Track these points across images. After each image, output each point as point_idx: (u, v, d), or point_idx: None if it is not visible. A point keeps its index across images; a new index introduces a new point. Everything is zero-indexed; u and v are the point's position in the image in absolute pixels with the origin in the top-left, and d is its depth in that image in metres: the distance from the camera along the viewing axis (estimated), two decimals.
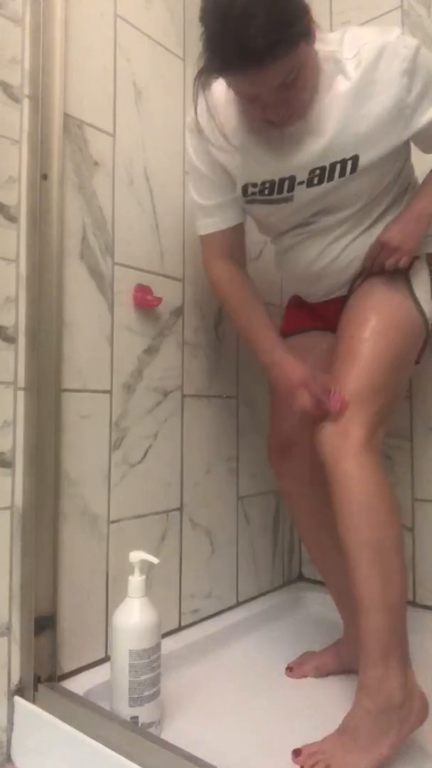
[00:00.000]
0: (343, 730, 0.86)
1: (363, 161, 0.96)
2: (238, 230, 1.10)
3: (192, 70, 1.27)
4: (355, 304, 1.06)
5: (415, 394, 1.40)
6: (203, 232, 1.09)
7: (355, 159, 0.95)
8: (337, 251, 1.05)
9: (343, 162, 0.96)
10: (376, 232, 1.03)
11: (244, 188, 1.03)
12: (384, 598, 0.85)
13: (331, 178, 0.97)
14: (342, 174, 0.97)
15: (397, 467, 1.42)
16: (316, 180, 0.98)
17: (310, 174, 0.98)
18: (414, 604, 1.38)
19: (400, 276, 1.03)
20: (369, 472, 0.89)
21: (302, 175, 0.98)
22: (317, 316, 1.16)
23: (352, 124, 0.93)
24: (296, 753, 0.86)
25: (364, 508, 0.87)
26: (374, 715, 0.83)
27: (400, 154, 1.01)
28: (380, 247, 1.00)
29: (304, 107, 0.92)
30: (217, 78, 0.88)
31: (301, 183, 0.99)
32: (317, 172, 0.97)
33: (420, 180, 1.07)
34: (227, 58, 0.81)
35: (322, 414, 0.94)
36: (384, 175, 1.01)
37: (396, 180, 1.04)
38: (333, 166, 0.96)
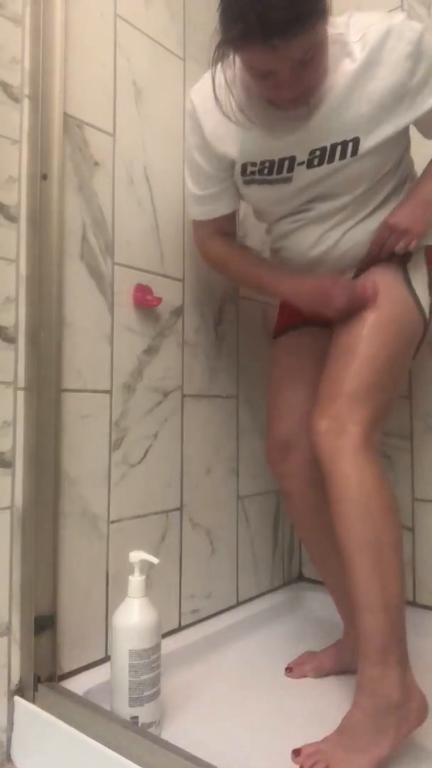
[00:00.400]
0: (342, 730, 0.86)
1: (364, 144, 0.95)
2: (230, 216, 1.15)
3: (192, 70, 1.28)
4: None
5: (414, 394, 1.40)
6: (196, 217, 1.14)
7: (355, 141, 0.95)
8: (335, 238, 1.04)
9: (344, 144, 0.95)
10: (375, 220, 1.03)
11: (243, 167, 1.02)
12: (382, 599, 0.85)
13: (331, 160, 0.97)
14: (342, 156, 0.96)
15: (397, 467, 1.42)
16: (316, 161, 0.98)
17: (310, 155, 0.97)
18: (414, 604, 1.38)
19: (399, 269, 1.03)
20: (366, 471, 0.87)
21: (302, 156, 0.98)
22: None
23: (354, 105, 0.93)
24: (296, 753, 0.86)
25: (360, 508, 0.86)
26: (372, 715, 0.83)
27: (401, 141, 1.01)
28: (389, 231, 1.00)
29: (315, 87, 0.91)
30: (234, 51, 0.86)
31: (301, 163, 0.98)
32: (317, 152, 0.97)
33: (419, 173, 1.07)
34: (250, 29, 0.79)
35: (359, 308, 0.98)
36: (384, 161, 1.00)
37: (396, 169, 1.03)
38: (334, 147, 0.96)
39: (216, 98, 0.96)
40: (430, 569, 1.37)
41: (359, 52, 0.91)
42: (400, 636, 0.86)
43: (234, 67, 0.94)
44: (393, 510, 0.88)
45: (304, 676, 1.12)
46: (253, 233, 1.39)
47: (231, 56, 0.89)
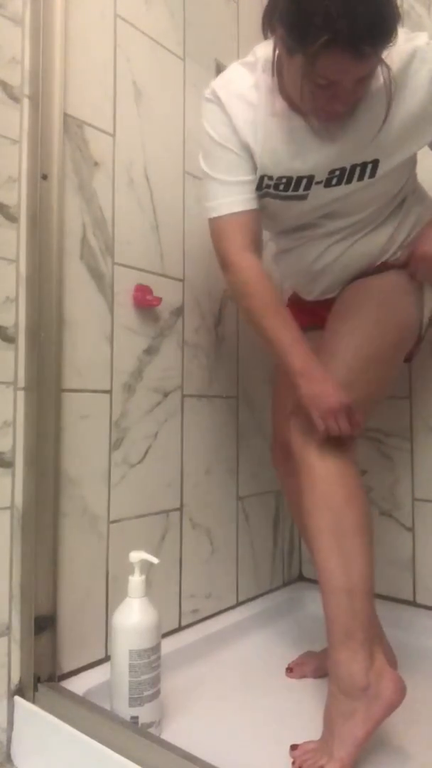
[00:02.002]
0: (324, 723, 0.87)
1: (383, 167, 0.95)
2: (260, 217, 1.02)
3: (192, 70, 1.28)
4: (345, 297, 1.06)
5: (415, 394, 1.40)
6: (227, 210, 0.97)
7: (375, 163, 0.95)
8: (338, 252, 1.05)
9: (364, 165, 0.95)
10: (378, 235, 1.03)
11: (260, 180, 1.00)
12: (344, 583, 0.86)
13: (349, 181, 0.97)
14: (361, 178, 0.96)
15: (397, 467, 1.42)
16: (334, 180, 0.97)
17: (329, 174, 0.97)
18: (414, 604, 1.38)
19: (400, 272, 1.04)
20: (330, 462, 0.91)
21: (321, 175, 0.97)
22: (315, 316, 1.16)
23: (372, 129, 0.92)
24: (293, 747, 0.87)
25: (323, 497, 0.90)
26: (339, 700, 0.84)
27: (412, 159, 1.02)
28: (421, 261, 1.02)
29: (357, 104, 0.91)
30: (313, 57, 0.80)
31: (319, 182, 0.98)
32: (337, 172, 0.96)
33: (423, 184, 1.07)
34: (339, 36, 0.77)
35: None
36: (397, 182, 1.01)
37: (405, 186, 1.04)
38: (353, 168, 0.96)
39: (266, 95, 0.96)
40: (430, 569, 1.37)
41: (382, 74, 0.90)
42: (365, 619, 0.86)
43: (283, 73, 0.92)
44: (356, 498, 0.91)
45: (304, 676, 1.12)
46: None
47: (294, 59, 0.85)
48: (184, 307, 1.27)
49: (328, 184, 0.98)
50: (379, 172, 0.96)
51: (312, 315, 1.17)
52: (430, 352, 1.35)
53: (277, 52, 0.92)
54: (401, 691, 0.84)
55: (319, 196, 0.99)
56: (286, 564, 1.55)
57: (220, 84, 1.00)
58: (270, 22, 0.89)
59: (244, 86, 0.97)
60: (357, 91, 0.87)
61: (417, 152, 1.02)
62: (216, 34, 1.37)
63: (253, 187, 0.99)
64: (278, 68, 0.94)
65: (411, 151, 0.97)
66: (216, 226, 1.00)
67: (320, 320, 1.15)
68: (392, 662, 1.12)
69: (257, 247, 1.00)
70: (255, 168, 0.99)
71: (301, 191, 0.99)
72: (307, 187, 0.98)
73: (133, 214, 1.16)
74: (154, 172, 1.21)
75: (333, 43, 0.77)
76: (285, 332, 0.95)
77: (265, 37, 0.94)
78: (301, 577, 1.59)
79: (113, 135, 1.12)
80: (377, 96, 0.91)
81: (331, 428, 0.90)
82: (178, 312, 1.25)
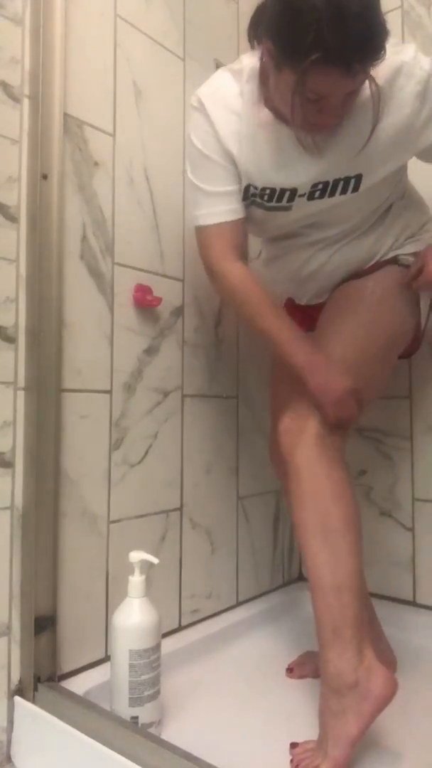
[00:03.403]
0: (319, 723, 0.87)
1: (366, 182, 0.96)
2: (243, 225, 1.04)
3: (192, 70, 1.28)
4: (335, 298, 1.08)
5: (415, 394, 1.40)
6: (212, 221, 1.00)
7: (358, 178, 0.96)
8: (324, 258, 1.06)
9: (347, 180, 0.96)
10: (363, 242, 1.05)
11: (246, 189, 1.01)
12: (331, 580, 0.87)
13: (332, 194, 0.97)
14: (344, 191, 0.97)
15: (397, 467, 1.42)
16: (317, 194, 0.98)
17: (312, 187, 0.97)
18: (414, 604, 1.38)
19: (393, 270, 1.04)
20: (316, 462, 0.92)
21: (304, 188, 0.98)
22: (309, 319, 1.17)
23: (358, 143, 0.92)
24: (293, 745, 0.88)
25: (310, 496, 0.91)
26: (330, 698, 0.84)
27: (399, 171, 1.02)
28: (419, 272, 1.00)
29: (344, 117, 0.91)
30: (302, 71, 0.79)
31: (302, 195, 0.98)
32: (320, 185, 0.97)
33: (414, 184, 1.07)
34: (330, 52, 0.77)
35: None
36: (383, 194, 1.02)
37: (392, 194, 1.04)
38: (336, 182, 0.96)
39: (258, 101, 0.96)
40: (430, 569, 1.37)
41: (368, 87, 0.90)
42: (353, 617, 0.86)
43: (269, 84, 0.92)
44: (343, 496, 0.92)
45: (305, 676, 1.12)
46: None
47: (282, 73, 0.84)
48: (184, 307, 1.27)
49: (311, 197, 0.98)
50: (362, 186, 0.96)
51: (308, 319, 1.18)
52: (430, 353, 1.35)
53: (263, 62, 0.91)
54: (391, 687, 0.84)
55: (302, 208, 1.00)
56: (286, 564, 1.55)
57: (205, 92, 0.99)
58: (256, 34, 0.89)
59: (230, 94, 0.97)
60: (346, 104, 0.87)
61: (405, 164, 1.02)
62: (216, 34, 1.37)
63: (238, 196, 1.00)
64: (264, 79, 0.94)
65: (395, 165, 0.97)
66: (200, 235, 1.02)
67: (314, 323, 1.16)
68: (392, 662, 1.12)
69: (241, 254, 1.03)
70: (239, 178, 0.99)
71: (284, 203, 1.00)
72: (291, 200, 0.99)
73: (133, 214, 1.16)
74: (154, 172, 1.21)
75: (323, 60, 0.77)
76: (282, 331, 0.98)
77: (252, 47, 0.94)
78: (301, 577, 1.59)
79: (113, 135, 1.12)
80: (363, 111, 0.91)
81: (340, 416, 0.92)
82: (178, 312, 1.25)
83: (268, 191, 0.99)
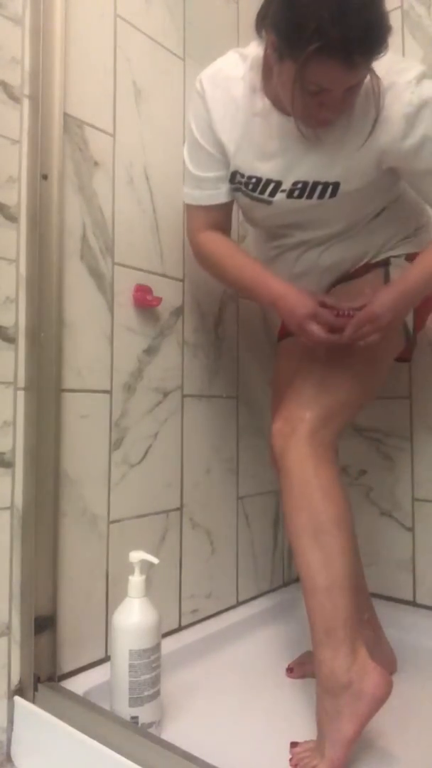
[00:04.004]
0: (317, 724, 0.87)
1: (343, 189, 0.96)
2: (228, 208, 1.09)
3: (192, 70, 1.28)
4: None
5: (415, 394, 1.40)
6: (194, 202, 1.07)
7: (336, 185, 0.96)
8: (314, 256, 1.07)
9: (325, 185, 0.96)
10: (356, 241, 1.05)
11: (233, 174, 1.03)
12: (323, 580, 0.87)
13: (310, 196, 0.98)
14: (321, 196, 0.97)
15: (397, 467, 1.42)
16: (296, 193, 0.99)
17: (293, 185, 0.98)
18: (414, 604, 1.38)
19: (378, 273, 1.05)
20: (306, 463, 0.93)
21: (287, 183, 0.98)
22: None
23: (345, 149, 0.93)
24: (293, 745, 0.88)
25: (300, 497, 0.92)
26: (325, 699, 0.84)
27: (385, 182, 1.00)
28: (368, 319, 0.92)
29: (344, 114, 0.91)
30: (304, 62, 0.80)
31: (283, 191, 0.99)
32: (299, 185, 0.98)
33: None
34: (331, 44, 0.77)
35: (336, 341, 0.94)
36: (369, 205, 1.02)
37: (382, 200, 1.04)
38: (315, 185, 0.97)
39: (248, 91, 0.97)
40: (430, 569, 1.37)
41: (363, 98, 0.91)
42: (346, 617, 0.86)
43: (270, 75, 0.93)
44: (334, 497, 0.92)
45: (305, 676, 1.12)
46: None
47: (284, 63, 0.84)
48: (184, 307, 1.27)
49: (290, 194, 0.99)
50: (339, 193, 0.96)
51: None
52: (430, 353, 1.35)
53: (267, 53, 0.92)
54: (386, 687, 0.84)
55: (282, 204, 1.01)
56: (286, 564, 1.55)
57: (208, 73, 1.02)
58: (262, 24, 0.90)
59: (232, 76, 0.99)
60: (346, 99, 0.87)
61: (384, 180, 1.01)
62: (216, 34, 1.37)
63: (222, 183, 1.05)
64: (266, 70, 0.95)
65: (370, 179, 0.96)
66: (187, 210, 1.12)
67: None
68: (392, 662, 1.12)
69: (220, 227, 1.09)
70: (228, 164, 1.03)
71: (266, 196, 1.01)
72: (272, 194, 1.00)
73: (133, 214, 1.16)
74: (154, 172, 1.21)
75: (324, 50, 0.78)
76: (252, 272, 1.03)
77: (260, 37, 0.95)
78: None
79: (113, 135, 1.12)
80: (357, 117, 0.91)
81: (309, 337, 0.94)
82: (178, 312, 1.25)
83: (253, 180, 1.01)
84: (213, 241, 1.08)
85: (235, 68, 1.00)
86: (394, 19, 1.41)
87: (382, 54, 0.82)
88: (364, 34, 0.78)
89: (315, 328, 0.93)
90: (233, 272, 1.06)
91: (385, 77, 0.89)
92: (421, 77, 0.90)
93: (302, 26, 0.78)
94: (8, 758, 0.92)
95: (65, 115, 1.01)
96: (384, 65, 0.86)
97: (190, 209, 1.10)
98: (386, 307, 0.92)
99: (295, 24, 0.80)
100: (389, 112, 0.90)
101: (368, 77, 0.87)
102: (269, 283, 1.00)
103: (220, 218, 1.09)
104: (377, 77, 0.87)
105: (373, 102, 0.89)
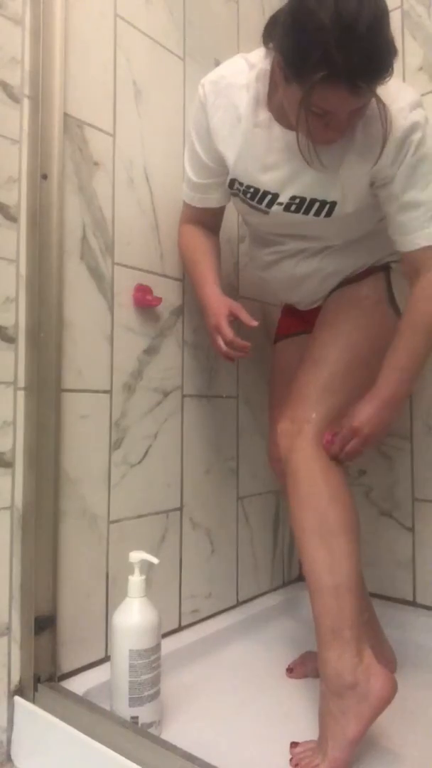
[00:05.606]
0: (319, 723, 0.87)
1: (340, 210, 0.97)
2: (217, 212, 1.16)
3: (192, 70, 1.28)
4: (327, 305, 1.10)
5: (415, 395, 1.40)
6: (186, 200, 1.14)
7: (332, 205, 0.97)
8: (314, 264, 1.08)
9: (322, 203, 0.97)
10: (354, 249, 1.06)
11: (231, 182, 1.04)
12: (330, 580, 0.88)
13: (307, 212, 0.99)
14: (317, 214, 0.98)
15: (397, 467, 1.42)
16: (293, 207, 1.00)
17: (290, 199, 0.99)
18: (414, 604, 1.38)
19: (382, 283, 1.06)
20: (313, 464, 0.93)
21: (284, 197, 0.99)
22: (307, 322, 1.18)
23: (341, 171, 0.93)
24: (293, 745, 0.88)
25: (307, 498, 0.92)
26: (329, 699, 0.84)
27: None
28: (352, 434, 0.93)
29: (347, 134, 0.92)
30: (310, 86, 0.80)
31: (280, 204, 1.00)
32: (297, 200, 0.99)
33: None
34: (337, 70, 0.77)
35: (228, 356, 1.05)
36: (363, 220, 1.02)
37: (378, 219, 1.03)
38: (312, 202, 0.98)
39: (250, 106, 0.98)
40: (430, 569, 1.37)
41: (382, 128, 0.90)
42: (352, 618, 0.86)
43: (276, 89, 0.93)
44: (341, 497, 0.93)
45: (305, 676, 1.12)
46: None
47: (290, 85, 0.84)
48: (184, 307, 1.27)
49: (287, 208, 1.00)
50: (335, 214, 0.97)
51: (304, 321, 1.20)
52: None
53: (273, 68, 0.92)
54: (391, 688, 0.84)
55: (278, 216, 1.02)
56: (286, 564, 1.55)
57: (211, 79, 1.02)
58: (270, 38, 0.90)
59: (236, 83, 0.99)
60: (351, 120, 0.88)
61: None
62: (216, 34, 1.37)
63: (214, 188, 1.10)
64: (273, 85, 0.95)
65: (367, 201, 0.97)
66: (183, 205, 1.17)
67: (311, 326, 1.16)
68: (392, 662, 1.12)
69: (207, 225, 1.16)
70: (225, 171, 1.04)
71: (263, 207, 1.02)
72: (270, 205, 1.01)
73: (133, 214, 1.16)
74: (154, 172, 1.21)
75: (330, 78, 0.78)
76: (200, 275, 1.11)
77: (266, 47, 0.95)
78: (301, 578, 1.59)
79: (113, 135, 1.12)
80: (359, 138, 0.92)
81: (213, 343, 1.03)
82: (178, 312, 1.25)
83: (252, 189, 1.02)
84: (188, 233, 1.17)
85: (239, 75, 0.99)
86: (394, 19, 1.42)
87: (387, 79, 0.82)
88: (369, 61, 0.78)
89: (219, 340, 1.04)
90: (189, 266, 1.17)
91: (391, 105, 0.88)
92: (414, 106, 0.90)
93: (307, 54, 0.78)
94: (8, 758, 0.92)
95: (65, 115, 1.01)
96: (382, 89, 0.86)
97: (184, 204, 1.16)
98: (366, 419, 0.92)
99: (300, 51, 0.80)
100: (380, 134, 0.90)
101: (373, 100, 0.87)
102: (205, 287, 1.10)
103: (206, 218, 1.15)
104: (383, 103, 0.86)
105: (377, 124, 0.89)
